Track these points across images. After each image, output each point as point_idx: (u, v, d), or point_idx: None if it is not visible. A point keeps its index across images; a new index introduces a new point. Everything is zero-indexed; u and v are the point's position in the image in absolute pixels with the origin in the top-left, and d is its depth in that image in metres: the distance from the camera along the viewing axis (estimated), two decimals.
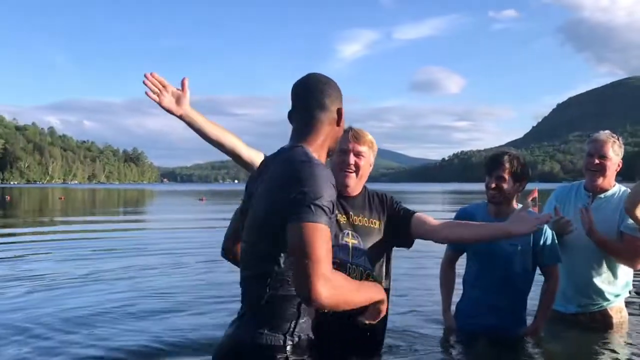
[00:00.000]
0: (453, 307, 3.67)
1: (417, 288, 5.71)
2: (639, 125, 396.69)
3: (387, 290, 2.74)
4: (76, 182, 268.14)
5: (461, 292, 3.67)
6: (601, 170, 3.70)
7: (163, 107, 2.38)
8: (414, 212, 2.81)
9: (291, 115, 2.02)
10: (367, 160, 2.80)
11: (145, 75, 2.35)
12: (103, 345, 3.96)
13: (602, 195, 3.77)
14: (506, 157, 3.40)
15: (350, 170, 2.73)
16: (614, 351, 3.51)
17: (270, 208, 1.77)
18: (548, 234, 3.50)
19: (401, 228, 2.77)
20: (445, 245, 3.62)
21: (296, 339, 1.82)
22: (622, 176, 4.03)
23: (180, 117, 2.42)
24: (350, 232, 2.70)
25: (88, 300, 5.39)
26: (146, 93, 2.34)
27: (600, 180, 3.72)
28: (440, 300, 3.72)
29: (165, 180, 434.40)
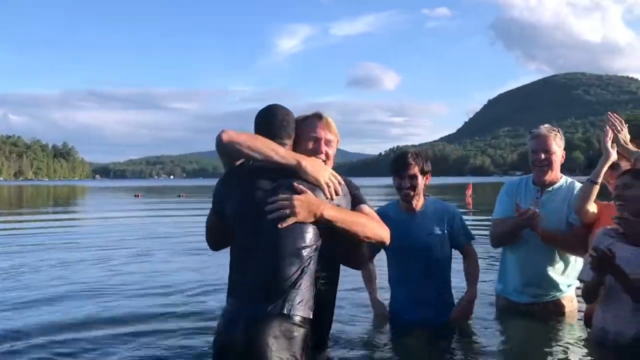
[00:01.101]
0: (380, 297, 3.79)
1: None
2: (564, 121, 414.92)
3: (332, 300, 2.76)
4: (1, 178, 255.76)
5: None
6: (548, 164, 3.76)
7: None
8: None
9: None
10: (334, 150, 2.76)
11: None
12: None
13: (550, 189, 3.83)
14: (411, 156, 3.54)
15: (322, 159, 2.61)
16: (564, 339, 3.57)
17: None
18: (458, 216, 3.72)
19: None
20: None
21: (311, 314, 2.13)
22: None
23: None
24: None
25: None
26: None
27: (548, 175, 3.78)
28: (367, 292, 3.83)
29: (97, 176, 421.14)
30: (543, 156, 3.75)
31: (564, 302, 3.87)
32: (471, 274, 3.71)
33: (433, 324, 3.54)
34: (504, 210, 3.89)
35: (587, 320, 3.58)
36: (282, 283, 2.05)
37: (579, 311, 3.88)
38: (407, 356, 3.42)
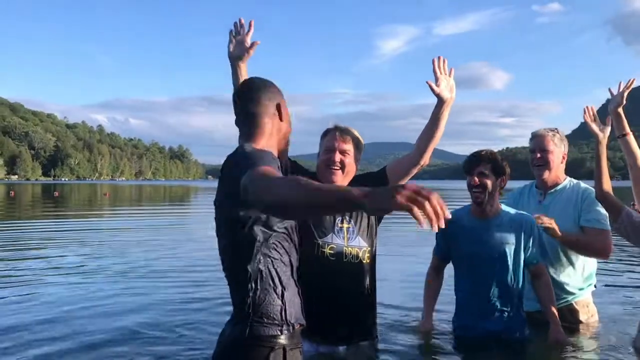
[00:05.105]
0: (437, 314, 3.61)
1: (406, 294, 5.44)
2: None
3: (374, 257, 3.03)
4: (123, 178, 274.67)
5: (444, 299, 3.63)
6: (545, 163, 3.72)
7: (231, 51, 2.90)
8: (386, 166, 3.12)
9: (237, 122, 2.09)
10: (353, 157, 2.99)
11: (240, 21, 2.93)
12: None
13: (553, 190, 3.77)
14: (484, 153, 3.40)
15: (335, 168, 2.95)
16: (583, 347, 3.45)
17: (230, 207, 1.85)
18: (536, 230, 3.43)
19: (379, 183, 2.98)
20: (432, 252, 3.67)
21: (291, 328, 1.87)
22: None
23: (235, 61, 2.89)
24: (342, 217, 2.96)
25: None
26: (230, 31, 2.92)
27: (546, 174, 3.73)
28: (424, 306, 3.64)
29: (210, 177, 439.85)
30: (539, 155, 3.73)
31: (578, 307, 3.75)
32: (546, 301, 3.42)
33: (501, 338, 3.35)
34: None
35: None
36: (236, 305, 1.90)
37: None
38: None
